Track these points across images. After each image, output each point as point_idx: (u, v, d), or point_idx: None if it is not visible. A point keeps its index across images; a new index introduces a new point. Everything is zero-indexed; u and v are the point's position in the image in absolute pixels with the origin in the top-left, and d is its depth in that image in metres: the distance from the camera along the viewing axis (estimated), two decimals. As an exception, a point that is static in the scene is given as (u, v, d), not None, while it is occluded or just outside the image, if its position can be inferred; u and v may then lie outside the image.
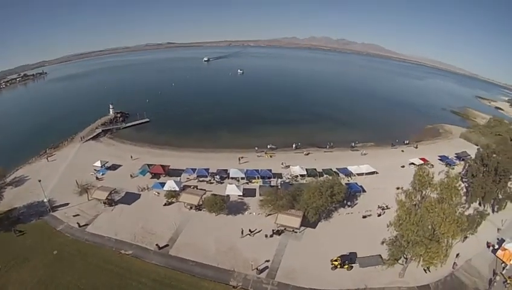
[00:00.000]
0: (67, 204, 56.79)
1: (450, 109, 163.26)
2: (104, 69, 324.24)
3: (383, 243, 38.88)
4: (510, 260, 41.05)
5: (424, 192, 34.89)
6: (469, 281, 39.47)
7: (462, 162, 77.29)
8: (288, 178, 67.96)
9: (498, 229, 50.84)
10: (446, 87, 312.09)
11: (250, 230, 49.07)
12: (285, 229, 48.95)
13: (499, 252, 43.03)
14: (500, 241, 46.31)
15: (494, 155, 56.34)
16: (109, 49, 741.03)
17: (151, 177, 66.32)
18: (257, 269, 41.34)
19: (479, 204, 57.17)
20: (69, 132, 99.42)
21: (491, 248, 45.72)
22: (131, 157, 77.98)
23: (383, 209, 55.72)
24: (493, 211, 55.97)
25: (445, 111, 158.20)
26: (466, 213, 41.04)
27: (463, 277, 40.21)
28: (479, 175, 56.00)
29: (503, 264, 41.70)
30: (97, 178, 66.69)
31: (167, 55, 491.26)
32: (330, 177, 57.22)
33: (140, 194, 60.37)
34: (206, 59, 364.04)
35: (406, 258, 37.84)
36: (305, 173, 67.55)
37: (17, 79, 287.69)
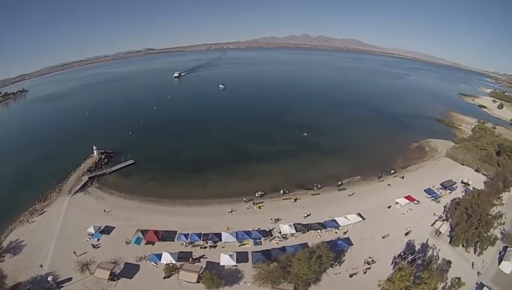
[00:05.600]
0: (71, 279, 59.03)
1: (435, 117, 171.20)
2: (84, 86, 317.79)
3: None
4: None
5: None
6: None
7: (448, 192, 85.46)
8: (278, 237, 72.19)
9: (478, 272, 58.14)
10: (428, 85, 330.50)
11: None
12: (278, 303, 54.28)
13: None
14: (479, 287, 54.08)
15: (477, 206, 63.74)
16: (90, 58, 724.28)
17: (146, 244, 69.56)
18: None
19: (462, 246, 63.97)
20: (55, 176, 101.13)
21: None
22: (105, 210, 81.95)
23: (369, 263, 61.28)
24: (475, 252, 62.92)
25: (430, 120, 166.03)
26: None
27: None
28: (463, 222, 62.74)
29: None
30: (93, 246, 68.84)
31: (147, 66, 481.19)
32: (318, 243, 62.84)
33: (138, 265, 63.38)
34: (176, 75, 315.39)
35: None
36: (294, 231, 71.93)
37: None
